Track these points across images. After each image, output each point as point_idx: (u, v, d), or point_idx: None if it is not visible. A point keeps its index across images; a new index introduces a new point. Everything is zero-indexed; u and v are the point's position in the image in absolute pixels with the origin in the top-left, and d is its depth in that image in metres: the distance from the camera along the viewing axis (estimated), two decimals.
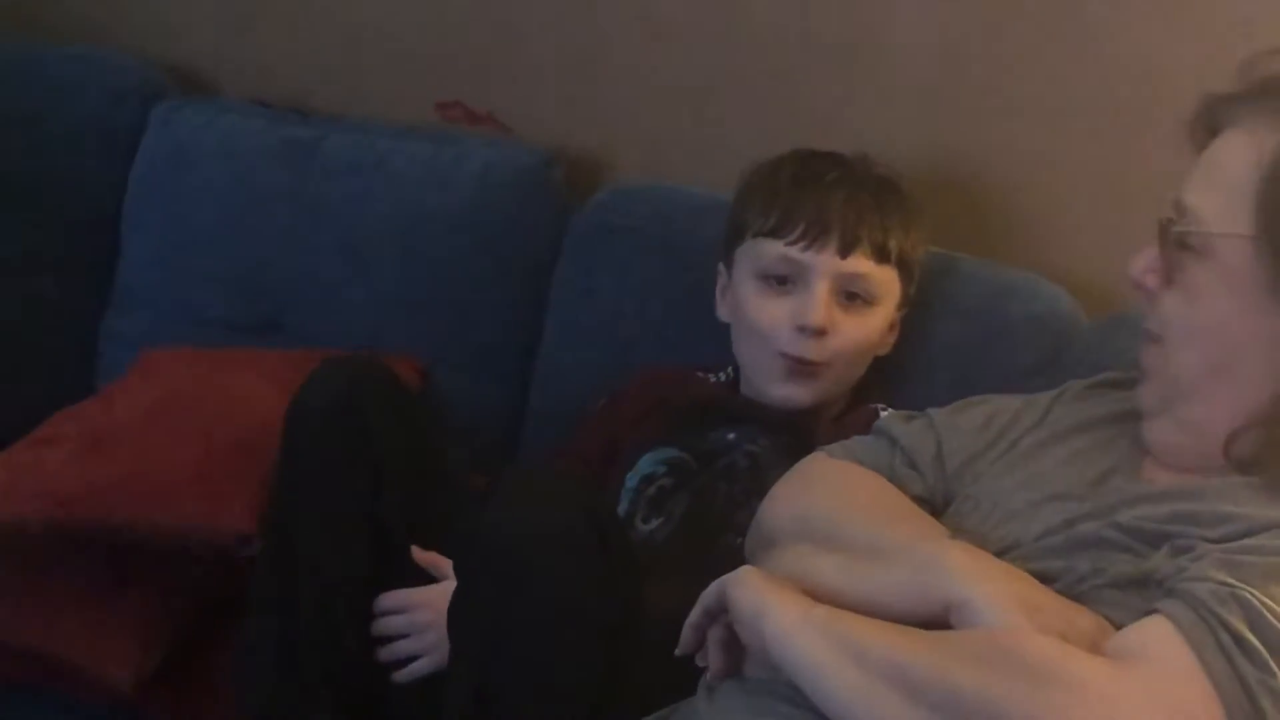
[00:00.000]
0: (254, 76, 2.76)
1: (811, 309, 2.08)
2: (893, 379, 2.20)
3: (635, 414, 2.22)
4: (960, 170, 2.33)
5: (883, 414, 2.08)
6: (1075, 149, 2.27)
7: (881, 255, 2.10)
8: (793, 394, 2.12)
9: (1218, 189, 1.58)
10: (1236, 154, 1.58)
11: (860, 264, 2.09)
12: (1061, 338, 2.15)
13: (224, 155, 2.61)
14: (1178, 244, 1.59)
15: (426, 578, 2.05)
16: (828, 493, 1.75)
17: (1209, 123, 1.65)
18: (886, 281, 2.12)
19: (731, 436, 2.14)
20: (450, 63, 2.65)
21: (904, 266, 2.14)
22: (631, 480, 2.15)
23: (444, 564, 2.02)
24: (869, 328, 2.12)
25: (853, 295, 2.10)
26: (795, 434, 2.08)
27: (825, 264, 2.09)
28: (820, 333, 2.08)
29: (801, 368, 2.10)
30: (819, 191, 2.11)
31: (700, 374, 2.26)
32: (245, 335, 2.54)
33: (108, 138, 2.69)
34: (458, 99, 2.64)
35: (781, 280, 2.11)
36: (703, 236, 2.29)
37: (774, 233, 2.11)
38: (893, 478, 1.77)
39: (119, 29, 2.83)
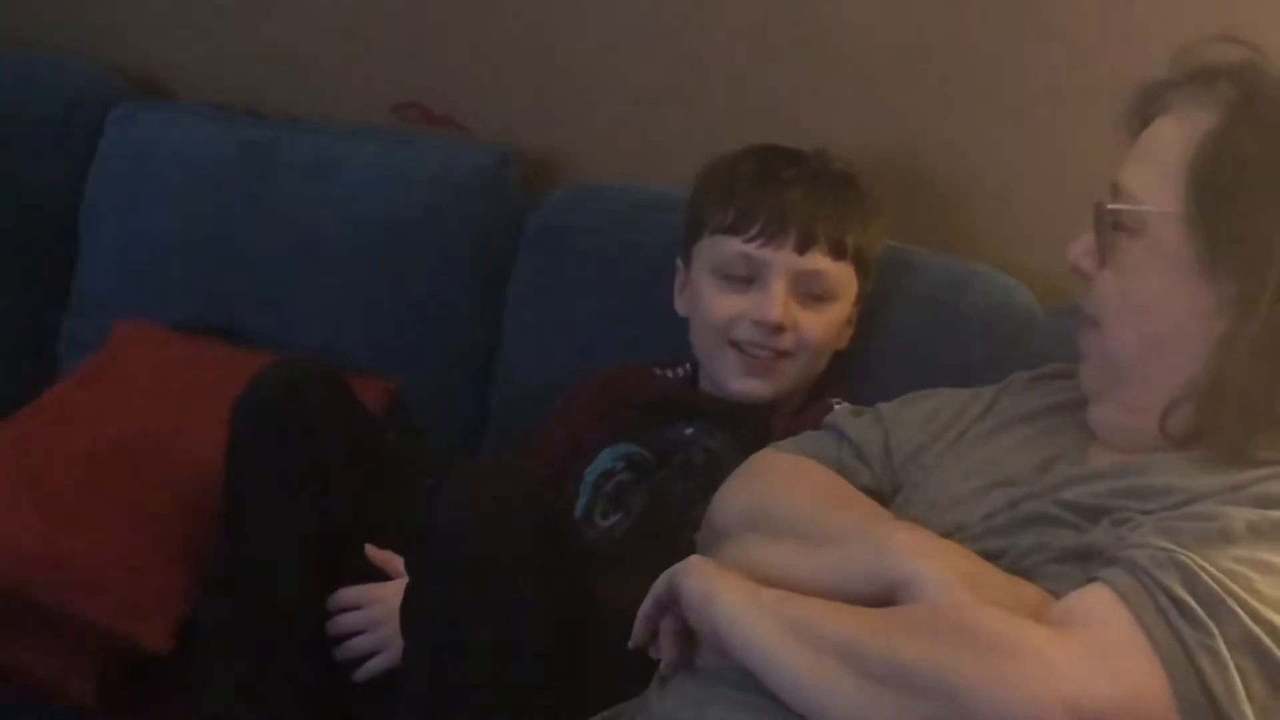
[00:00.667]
0: (210, 80, 2.77)
1: (769, 305, 2.09)
2: (850, 372, 2.21)
3: (595, 411, 2.23)
4: (915, 163, 2.35)
5: (838, 407, 2.06)
6: (1029, 141, 2.28)
7: (839, 252, 2.12)
8: (753, 388, 2.13)
9: (1150, 168, 1.61)
10: (1168, 135, 1.61)
11: (818, 261, 2.11)
12: (1017, 328, 2.17)
13: (180, 158, 2.61)
14: (1112, 224, 1.62)
15: (381, 576, 2.06)
16: (776, 484, 1.76)
17: (1144, 110, 1.67)
18: (844, 277, 2.14)
19: (689, 432, 2.15)
20: (405, 63, 2.66)
21: (861, 262, 2.15)
22: (590, 476, 2.16)
23: (398, 562, 2.03)
24: (828, 323, 2.13)
25: (810, 291, 2.12)
26: (752, 429, 2.09)
27: (783, 261, 2.10)
28: (778, 329, 2.10)
29: (759, 363, 2.12)
30: (777, 188, 2.13)
31: (658, 370, 2.27)
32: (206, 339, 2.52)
33: (64, 142, 2.69)
34: (415, 100, 2.64)
35: (740, 277, 2.12)
36: (660, 234, 2.30)
37: (732, 230, 2.12)
38: (841, 470, 1.79)
39: (74, 33, 2.83)
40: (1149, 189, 1.60)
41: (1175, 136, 1.60)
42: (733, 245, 2.12)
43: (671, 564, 1.66)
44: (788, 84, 2.41)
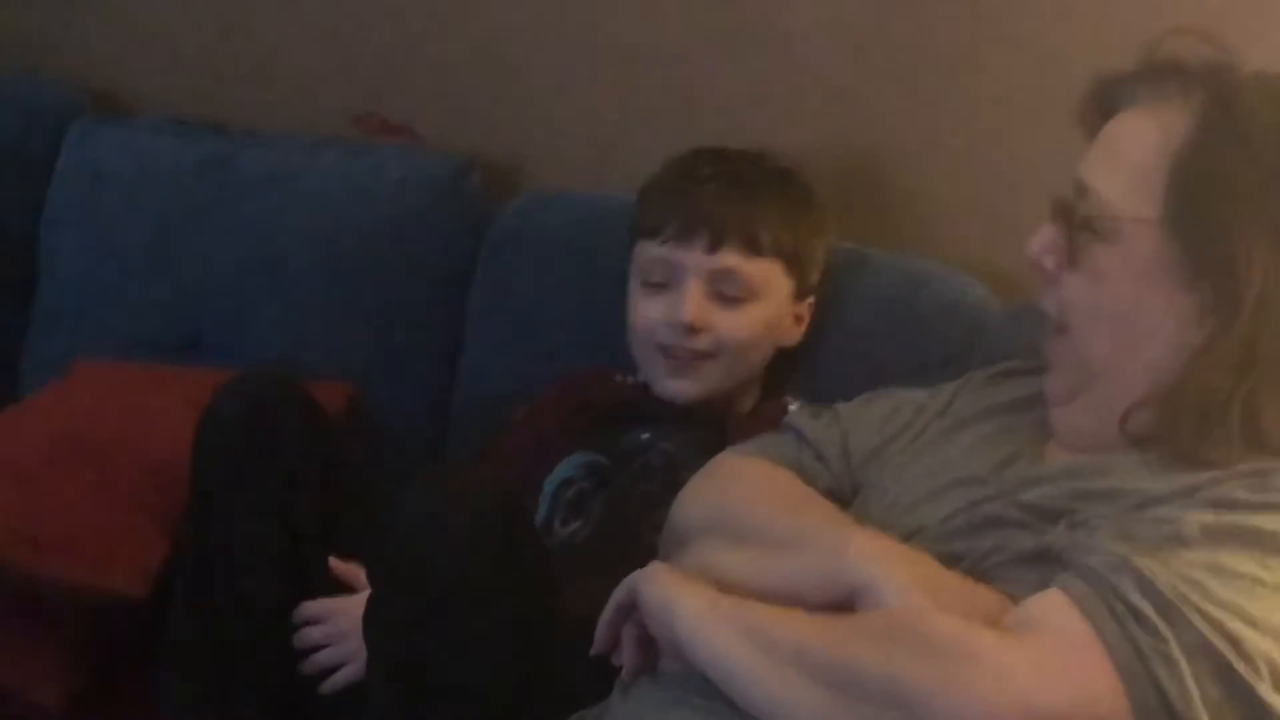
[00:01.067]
0: (168, 95, 2.75)
1: (682, 306, 2.09)
2: (806, 372, 2.20)
3: (554, 420, 2.22)
4: (871, 162, 2.33)
5: (792, 407, 2.09)
6: (983, 138, 2.27)
7: (753, 249, 2.09)
8: (680, 388, 2.12)
9: (1121, 171, 1.57)
10: (1139, 136, 1.57)
11: (729, 259, 2.09)
12: (974, 327, 2.15)
13: (140, 174, 2.59)
14: (1083, 227, 1.58)
15: (346, 589, 2.04)
16: (736, 488, 1.74)
17: (1103, 103, 1.64)
18: (764, 274, 2.11)
19: (646, 436, 2.14)
20: (364, 74, 2.65)
21: (789, 258, 2.12)
22: (549, 485, 2.14)
23: (362, 573, 2.02)
24: (749, 321, 2.11)
25: (727, 291, 2.10)
26: (708, 430, 2.08)
27: (694, 261, 2.09)
28: (691, 330, 2.09)
29: (680, 363, 2.11)
30: (690, 190, 2.12)
31: (618, 376, 2.25)
32: (167, 354, 2.50)
33: (23, 160, 2.67)
34: (374, 111, 2.62)
35: (659, 282, 2.12)
36: (616, 240, 2.27)
37: (649, 234, 2.13)
38: (801, 471, 1.77)
39: (30, 51, 2.82)
40: (1124, 194, 1.56)
41: (1149, 138, 1.56)
42: (650, 249, 2.12)
43: (633, 567, 1.65)
44: (745, 88, 2.40)
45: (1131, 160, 1.57)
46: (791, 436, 1.83)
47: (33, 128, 2.69)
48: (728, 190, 2.11)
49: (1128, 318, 1.57)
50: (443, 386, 2.46)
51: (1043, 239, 1.62)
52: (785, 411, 2.06)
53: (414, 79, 2.62)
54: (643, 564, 1.68)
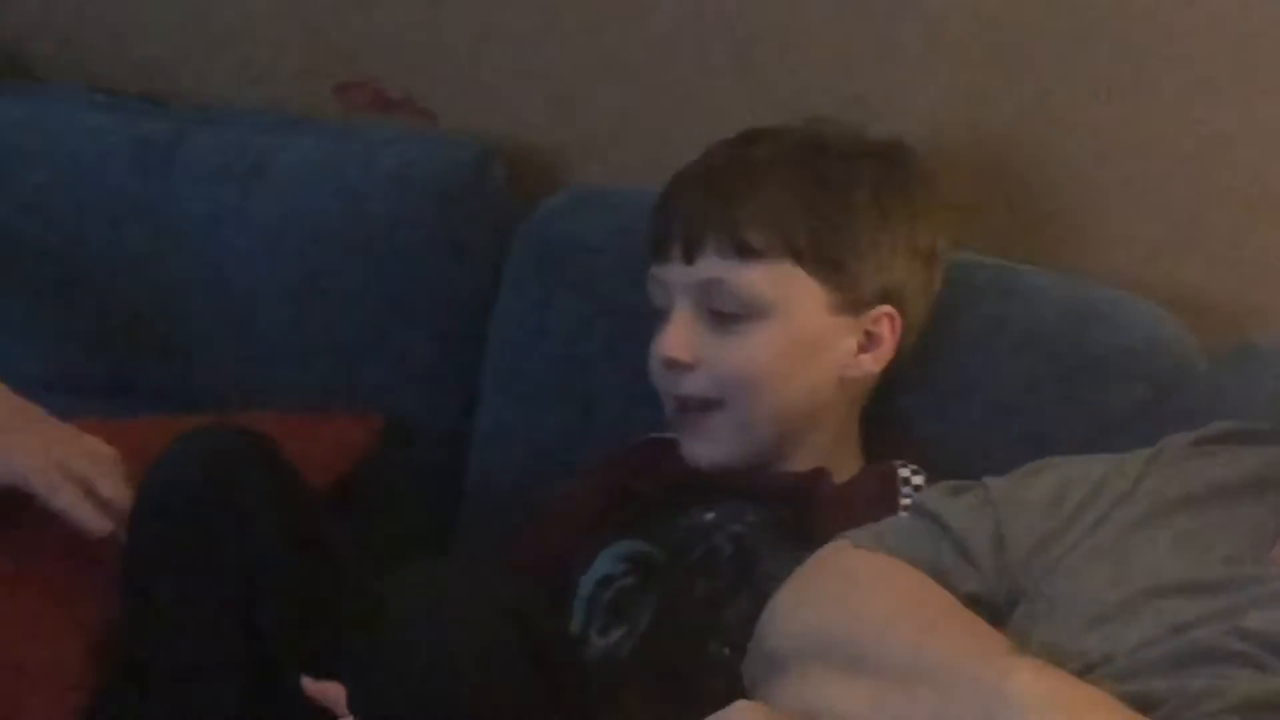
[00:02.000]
0: (93, 57, 2.71)
1: (661, 336, 2.07)
2: (931, 431, 2.15)
3: (594, 506, 2.18)
4: (1020, 158, 2.27)
5: (904, 474, 2.05)
6: (1163, 121, 2.18)
7: (742, 251, 2.05)
8: (700, 453, 2.09)
9: None
10: None
11: (713, 268, 2.06)
12: (1167, 376, 2.08)
13: (53, 160, 2.54)
14: None
15: (321, 712, 1.95)
16: (851, 597, 1.67)
17: None
18: (768, 282, 2.05)
19: (710, 517, 2.09)
20: (352, 30, 2.59)
21: (809, 257, 2.06)
22: (586, 586, 2.10)
23: (343, 698, 1.91)
24: (758, 345, 2.05)
25: (720, 309, 2.06)
26: (793, 505, 2.04)
27: (676, 276, 2.08)
28: (673, 365, 2.06)
29: (687, 417, 2.09)
30: (670, 191, 2.13)
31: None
32: (93, 399, 2.42)
33: None
34: (366, 80, 2.58)
35: (660, 310, 2.11)
36: None
37: (649, 252, 2.13)
38: (938, 572, 1.69)
39: None
40: None
41: None
42: (650, 270, 2.13)
43: (695, 689, 1.74)
44: (839, 56, 2.33)
45: None
46: (924, 523, 1.76)
47: None
48: (715, 183, 2.09)
49: None
50: (455, 443, 2.42)
51: None
52: (893, 477, 2.04)
53: (421, 46, 2.57)
54: (706, 684, 1.75)
